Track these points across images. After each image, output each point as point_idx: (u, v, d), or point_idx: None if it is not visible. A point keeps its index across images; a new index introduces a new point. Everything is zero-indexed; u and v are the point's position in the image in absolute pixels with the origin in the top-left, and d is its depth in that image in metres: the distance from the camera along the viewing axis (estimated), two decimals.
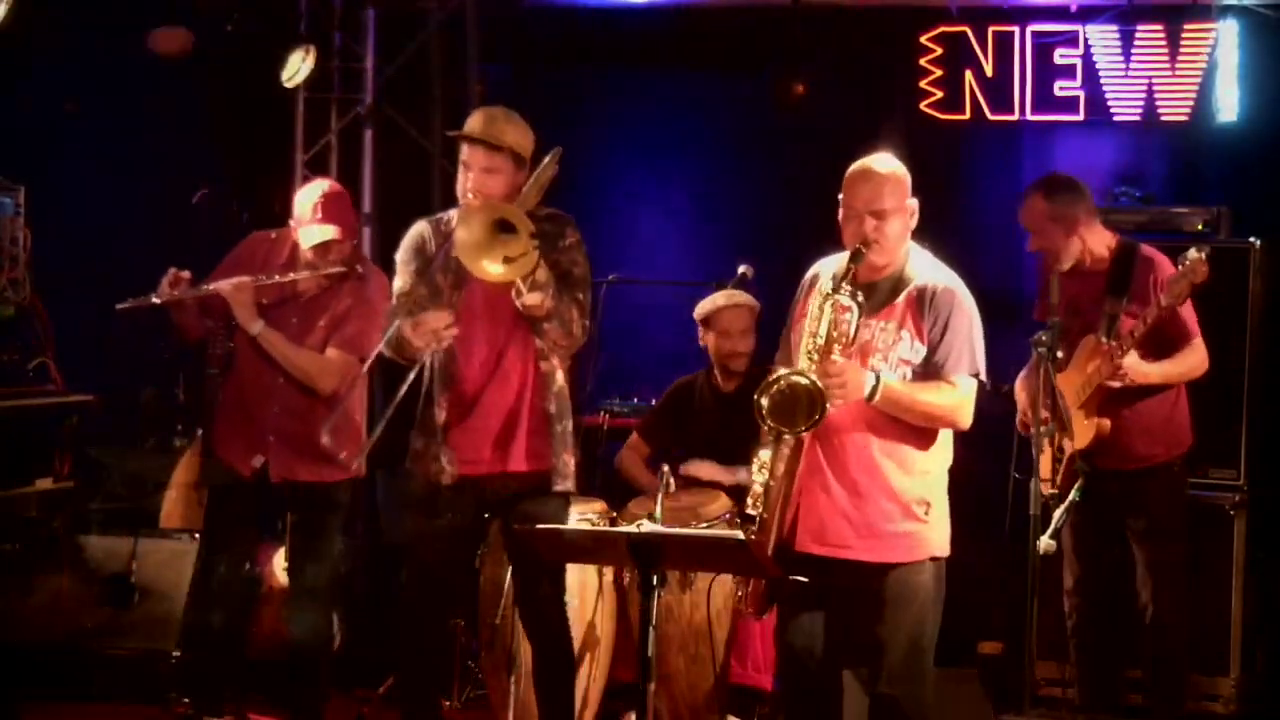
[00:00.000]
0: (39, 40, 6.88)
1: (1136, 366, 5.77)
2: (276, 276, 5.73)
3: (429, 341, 5.10)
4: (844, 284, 4.63)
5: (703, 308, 6.43)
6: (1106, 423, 5.87)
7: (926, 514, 4.71)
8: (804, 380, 4.53)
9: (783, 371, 4.61)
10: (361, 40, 8.00)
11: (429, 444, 5.28)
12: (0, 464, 5.68)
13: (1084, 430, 5.83)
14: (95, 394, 5.95)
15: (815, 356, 4.61)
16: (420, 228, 5.37)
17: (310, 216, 5.73)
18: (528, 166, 5.25)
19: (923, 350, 4.69)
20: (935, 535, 4.74)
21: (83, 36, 7.22)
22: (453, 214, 5.32)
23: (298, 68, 7.39)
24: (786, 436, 4.62)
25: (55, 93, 7.51)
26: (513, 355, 5.25)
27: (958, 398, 4.69)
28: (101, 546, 6.79)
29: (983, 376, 4.75)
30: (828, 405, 4.51)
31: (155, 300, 5.62)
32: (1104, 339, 5.85)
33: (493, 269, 4.98)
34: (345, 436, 5.77)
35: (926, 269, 4.78)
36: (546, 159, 5.20)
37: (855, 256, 4.68)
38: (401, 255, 5.36)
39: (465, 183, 5.22)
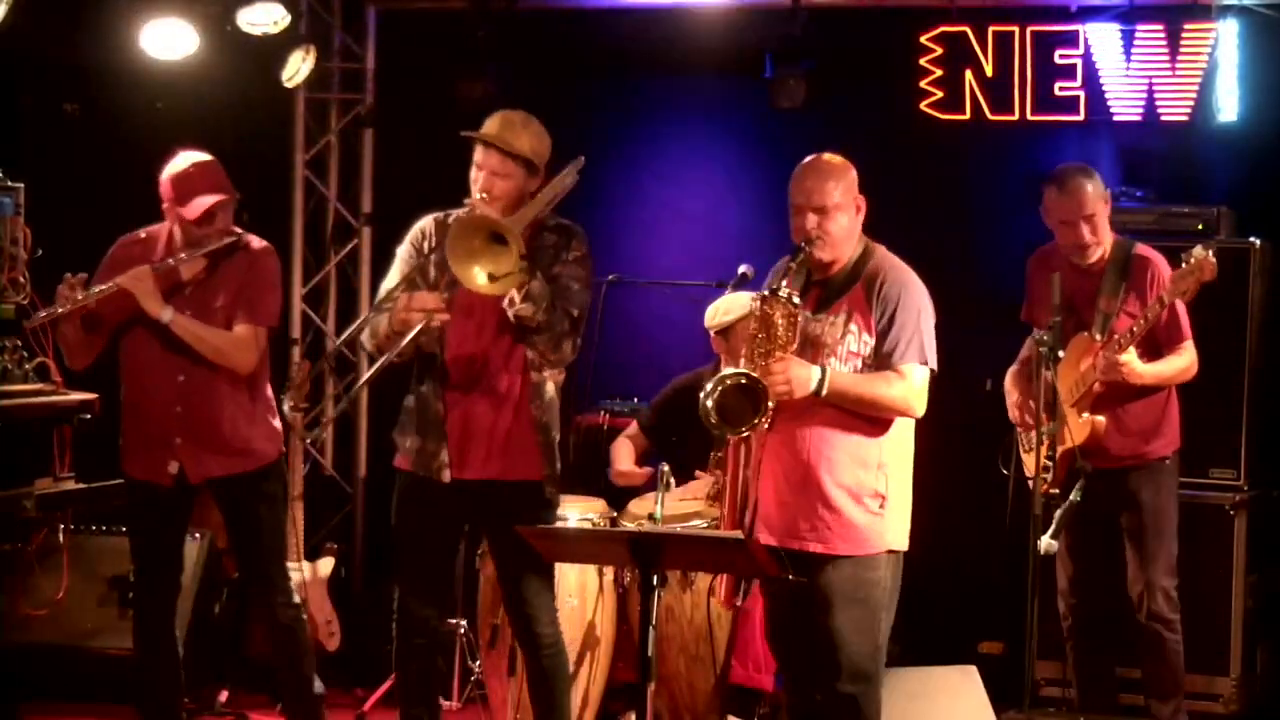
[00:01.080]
0: (39, 40, 6.87)
1: (1134, 364, 5.78)
2: (171, 260, 5.55)
3: (418, 319, 5.05)
4: (782, 283, 4.70)
5: (717, 320, 6.37)
6: (1102, 421, 5.88)
7: (881, 507, 4.74)
8: (743, 380, 4.61)
9: (723, 373, 4.69)
10: (361, 40, 8.00)
11: (426, 441, 5.26)
12: (0, 464, 5.67)
13: (1079, 429, 5.84)
14: (95, 394, 5.93)
15: (756, 356, 4.68)
16: (424, 223, 5.35)
17: (189, 189, 5.57)
18: (542, 173, 5.24)
19: (871, 342, 4.74)
20: (891, 529, 4.78)
21: (83, 37, 7.22)
22: (460, 210, 5.30)
23: (298, 68, 7.38)
24: (730, 437, 4.71)
25: (55, 93, 7.51)
26: (500, 361, 5.22)
27: (906, 387, 4.72)
28: (101, 546, 6.79)
29: (933, 365, 4.77)
30: (770, 403, 4.58)
31: (60, 310, 5.46)
32: (1098, 336, 5.86)
33: (478, 280, 4.98)
34: (256, 426, 5.69)
35: (876, 262, 4.83)
36: (566, 169, 5.19)
37: (796, 253, 4.76)
38: (401, 249, 5.35)
39: (476, 182, 5.22)
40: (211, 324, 5.59)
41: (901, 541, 4.81)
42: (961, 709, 5.64)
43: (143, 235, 5.73)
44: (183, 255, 5.57)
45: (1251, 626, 6.57)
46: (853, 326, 4.75)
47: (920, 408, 4.76)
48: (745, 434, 4.70)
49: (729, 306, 6.35)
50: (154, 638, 5.74)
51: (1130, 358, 5.77)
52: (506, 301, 5.07)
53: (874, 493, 4.74)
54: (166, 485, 5.63)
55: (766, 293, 4.72)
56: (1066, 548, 6.02)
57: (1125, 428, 5.92)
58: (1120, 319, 5.85)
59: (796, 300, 4.70)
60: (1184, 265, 5.66)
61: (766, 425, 4.67)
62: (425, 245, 5.29)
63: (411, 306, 5.08)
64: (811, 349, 4.75)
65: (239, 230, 5.68)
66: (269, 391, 5.78)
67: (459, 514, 5.33)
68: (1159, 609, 5.96)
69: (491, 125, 5.24)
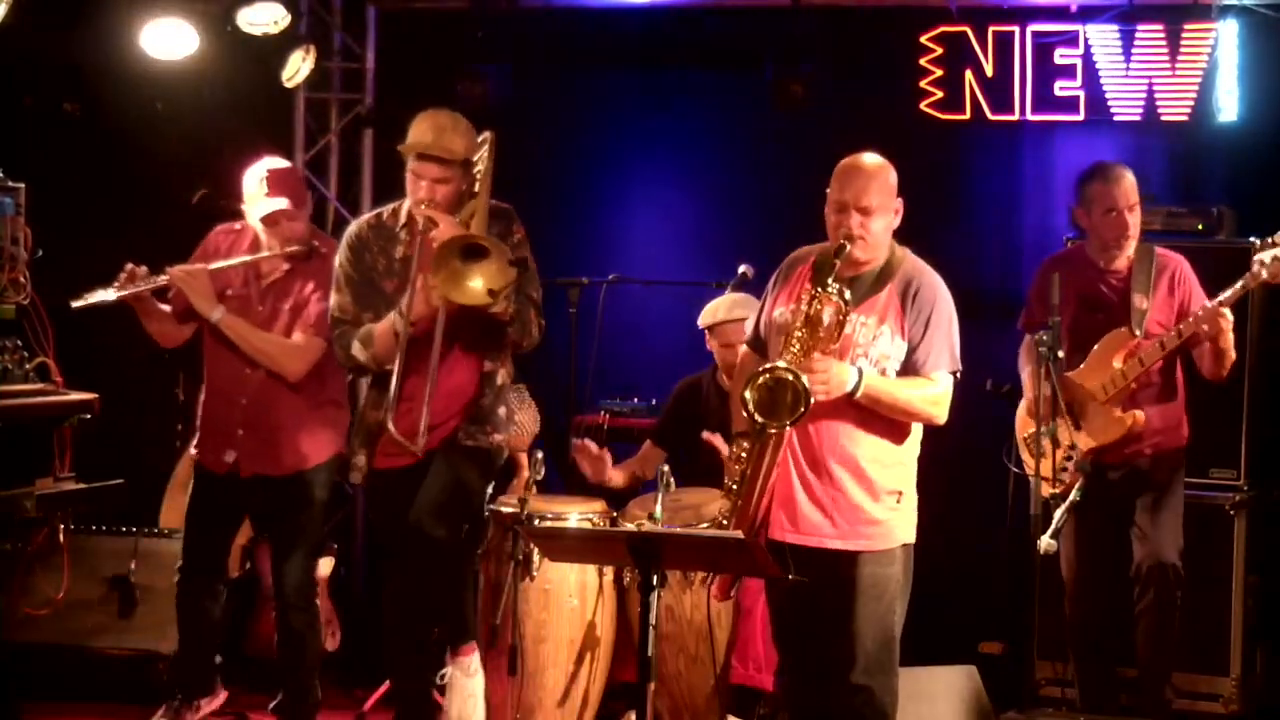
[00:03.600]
0: (39, 40, 6.87)
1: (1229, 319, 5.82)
2: (231, 260, 5.72)
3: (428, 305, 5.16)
4: (831, 280, 4.66)
5: (703, 318, 6.39)
6: (1141, 415, 5.90)
7: (899, 503, 4.80)
8: (789, 375, 4.57)
9: (769, 365, 4.64)
10: (361, 40, 8.00)
11: (356, 447, 5.38)
12: (0, 464, 5.67)
13: (1117, 423, 5.89)
14: (95, 394, 5.94)
15: (797, 350, 4.64)
16: (358, 231, 5.38)
17: (258, 192, 5.72)
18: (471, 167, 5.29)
19: (903, 346, 4.75)
20: (905, 523, 4.84)
21: (83, 37, 7.22)
22: (392, 208, 5.36)
23: (298, 68, 7.37)
24: (770, 430, 4.65)
25: (55, 93, 7.51)
26: (454, 357, 5.28)
27: (937, 394, 4.76)
28: (101, 546, 6.79)
29: (959, 373, 4.81)
30: (811, 401, 4.54)
31: (110, 296, 5.62)
32: (1136, 332, 5.89)
33: (478, 296, 5.02)
34: (308, 433, 5.78)
35: (908, 266, 4.83)
36: (480, 151, 5.23)
37: (839, 252, 4.71)
38: (341, 259, 5.36)
39: (417, 192, 5.22)
40: (278, 325, 5.73)
41: (912, 534, 4.86)
42: (961, 709, 5.64)
43: (237, 227, 5.87)
44: (244, 257, 5.72)
45: (1251, 626, 6.57)
46: (884, 329, 4.74)
47: (944, 415, 4.80)
48: (784, 429, 4.63)
49: (715, 307, 6.37)
50: (190, 630, 5.90)
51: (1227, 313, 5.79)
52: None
53: (893, 491, 4.79)
54: (219, 474, 5.77)
55: (818, 288, 4.65)
56: (1076, 547, 6.03)
57: (1152, 424, 5.97)
58: (1154, 314, 5.89)
59: (849, 297, 4.66)
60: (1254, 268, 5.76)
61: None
62: (368, 254, 5.33)
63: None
64: (840, 348, 4.72)
65: (317, 238, 5.83)
66: (335, 396, 5.84)
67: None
68: (1164, 583, 5.95)
69: (424, 133, 5.24)
